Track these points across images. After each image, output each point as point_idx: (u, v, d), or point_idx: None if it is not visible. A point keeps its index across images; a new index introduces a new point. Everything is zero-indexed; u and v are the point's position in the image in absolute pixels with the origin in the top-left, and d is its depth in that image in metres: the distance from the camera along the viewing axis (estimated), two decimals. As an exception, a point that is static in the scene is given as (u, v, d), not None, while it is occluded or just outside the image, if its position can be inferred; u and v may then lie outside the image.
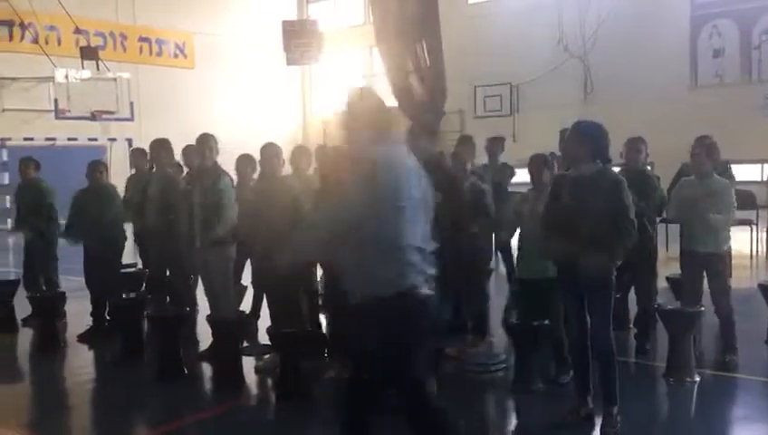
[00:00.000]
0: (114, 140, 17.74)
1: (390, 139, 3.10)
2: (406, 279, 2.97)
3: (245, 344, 5.77)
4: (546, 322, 4.78)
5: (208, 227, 5.57)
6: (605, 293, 4.05)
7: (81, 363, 6.14)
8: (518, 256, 5.23)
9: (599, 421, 4.14)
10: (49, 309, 6.55)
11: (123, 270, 7.17)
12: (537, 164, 4.96)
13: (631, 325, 6.03)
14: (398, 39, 16.75)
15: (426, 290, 3.03)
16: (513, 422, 4.68)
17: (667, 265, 6.63)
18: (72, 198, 6.84)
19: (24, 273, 7.36)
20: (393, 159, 3.02)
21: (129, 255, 7.34)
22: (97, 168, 6.84)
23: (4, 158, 16.40)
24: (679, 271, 5.69)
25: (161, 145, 6.45)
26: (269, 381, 5.33)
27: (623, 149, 5.72)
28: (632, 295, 6.02)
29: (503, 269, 7.97)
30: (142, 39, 20.33)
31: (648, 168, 6.25)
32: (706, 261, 5.24)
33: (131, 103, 17.60)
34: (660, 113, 14.34)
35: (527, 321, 4.96)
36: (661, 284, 6.24)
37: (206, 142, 5.73)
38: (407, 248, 2.97)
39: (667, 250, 7.96)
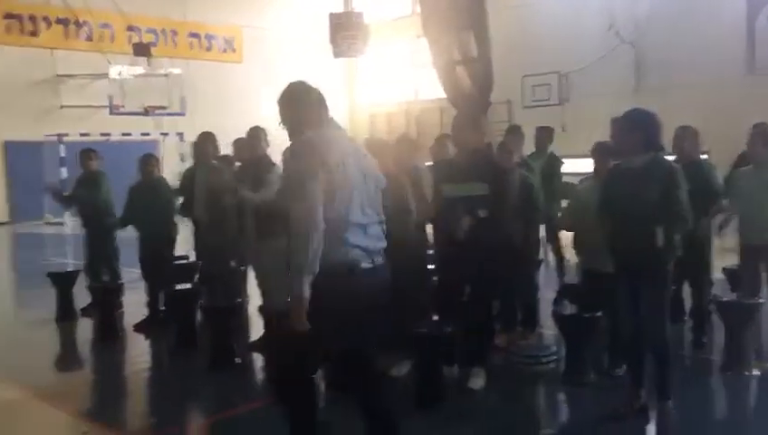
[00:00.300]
0: (166, 134, 18.09)
1: (313, 123, 3.20)
2: (338, 253, 3.04)
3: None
4: (599, 313, 4.71)
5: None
6: (661, 284, 3.97)
7: (137, 352, 6.32)
8: (577, 245, 5.14)
9: (653, 415, 4.08)
10: (107, 299, 6.75)
11: (177, 262, 7.32)
12: (600, 152, 4.89)
13: (686, 317, 5.90)
14: (445, 29, 16.70)
15: (365, 264, 3.09)
16: (564, 415, 4.63)
17: (723, 255, 6.46)
18: (128, 193, 7.02)
19: (87, 264, 7.58)
20: (309, 143, 3.11)
21: (185, 246, 7.49)
22: (149, 161, 7.00)
23: (62, 153, 16.89)
24: (735, 262, 5.54)
25: (206, 138, 6.56)
26: (319, 372, 5.38)
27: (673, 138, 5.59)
28: (687, 287, 5.89)
29: (551, 260, 7.90)
30: (192, 35, 20.68)
31: (706, 156, 6.09)
32: (765, 253, 5.09)
33: (182, 98, 17.92)
34: (716, 100, 13.93)
35: (579, 312, 4.90)
36: (717, 275, 6.09)
37: (256, 135, 5.80)
38: (337, 223, 3.03)
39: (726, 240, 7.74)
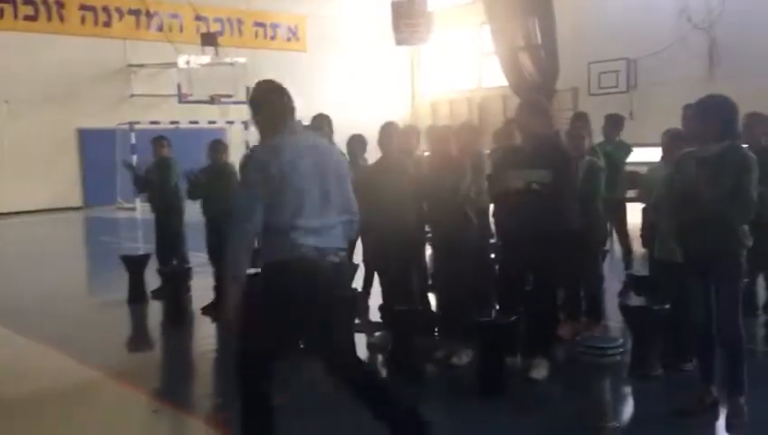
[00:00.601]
0: (232, 122, 18.44)
1: (280, 128, 3.30)
2: (287, 254, 3.16)
3: (357, 321, 5.89)
4: (667, 305, 4.60)
5: None
6: (733, 276, 3.84)
7: (203, 335, 6.49)
8: (654, 235, 5.02)
9: (723, 411, 3.97)
10: (176, 283, 6.95)
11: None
12: (671, 139, 4.79)
13: (759, 312, 5.70)
14: (510, 15, 16.45)
15: (320, 263, 3.19)
16: (630, 409, 4.54)
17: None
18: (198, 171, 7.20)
19: (157, 248, 7.82)
20: (264, 148, 3.27)
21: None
22: (217, 147, 7.16)
23: (133, 141, 17.42)
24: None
25: None
26: (381, 358, 5.43)
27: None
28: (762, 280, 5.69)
29: (617, 250, 7.72)
30: (257, 24, 20.98)
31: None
32: None
33: (247, 87, 18.18)
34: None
35: (646, 304, 4.79)
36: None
37: (319, 123, 5.85)
38: (285, 227, 3.15)
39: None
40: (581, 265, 5.51)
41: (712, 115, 3.83)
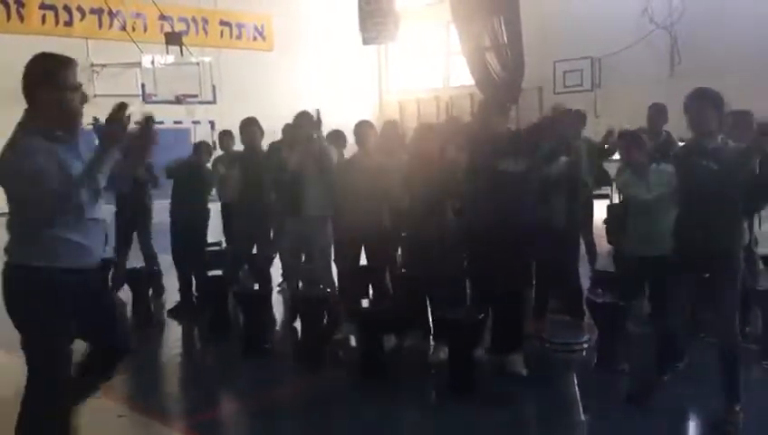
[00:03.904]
0: (198, 122, 18.24)
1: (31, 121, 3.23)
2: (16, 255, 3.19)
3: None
4: (634, 302, 4.68)
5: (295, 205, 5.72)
6: (732, 275, 3.79)
7: (171, 337, 6.41)
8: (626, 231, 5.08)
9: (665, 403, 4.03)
10: (142, 285, 6.85)
11: (209, 248, 7.38)
12: (627, 140, 4.91)
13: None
14: (474, 15, 16.52)
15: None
16: (597, 402, 4.58)
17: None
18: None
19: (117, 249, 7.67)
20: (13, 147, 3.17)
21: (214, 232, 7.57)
22: (196, 148, 7.09)
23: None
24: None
25: (252, 123, 6.57)
26: (352, 357, 5.42)
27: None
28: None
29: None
30: (223, 23, 20.78)
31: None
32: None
33: (213, 87, 18.02)
34: (755, 87, 13.61)
35: (612, 300, 4.87)
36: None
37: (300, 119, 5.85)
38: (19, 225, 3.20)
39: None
40: (561, 262, 5.51)
41: (718, 106, 3.76)
